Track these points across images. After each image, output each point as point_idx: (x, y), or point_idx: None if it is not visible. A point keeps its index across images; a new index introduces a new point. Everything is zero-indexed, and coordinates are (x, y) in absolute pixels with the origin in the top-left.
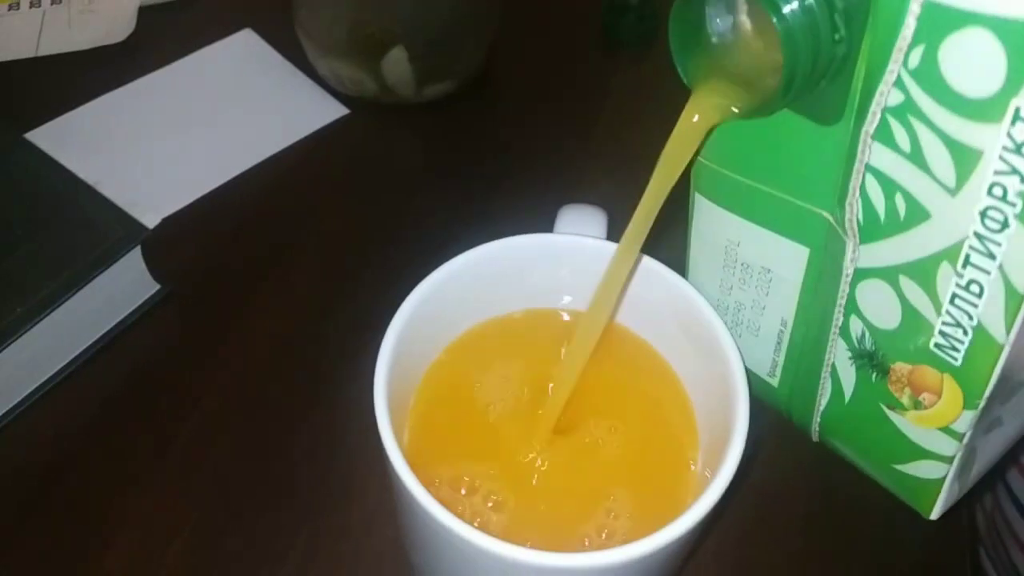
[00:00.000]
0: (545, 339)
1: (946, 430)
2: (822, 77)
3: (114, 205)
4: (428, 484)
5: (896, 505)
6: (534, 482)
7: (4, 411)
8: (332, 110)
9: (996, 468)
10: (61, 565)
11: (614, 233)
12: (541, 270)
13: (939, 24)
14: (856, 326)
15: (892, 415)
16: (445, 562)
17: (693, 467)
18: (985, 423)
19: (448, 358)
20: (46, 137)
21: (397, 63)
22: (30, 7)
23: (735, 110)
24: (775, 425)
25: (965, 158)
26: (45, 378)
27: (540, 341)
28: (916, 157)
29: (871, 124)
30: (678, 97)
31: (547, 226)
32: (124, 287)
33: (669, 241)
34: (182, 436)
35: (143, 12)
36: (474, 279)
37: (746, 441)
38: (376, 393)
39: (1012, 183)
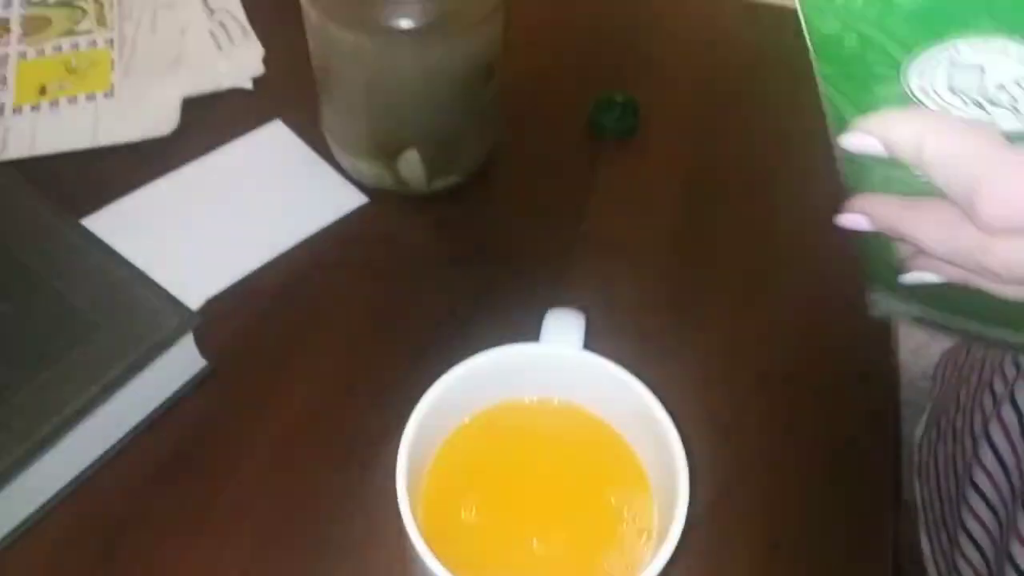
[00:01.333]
0: (529, 426)
1: None
2: None
3: (168, 293)
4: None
5: None
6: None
7: (77, 474)
8: (353, 199)
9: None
10: None
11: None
12: (527, 372)
13: None
14: None
15: None
16: None
17: (646, 539)
18: None
19: (454, 439)
20: (101, 222)
21: (411, 162)
22: (87, 100)
23: None
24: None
25: None
26: (110, 444)
27: (525, 427)
28: None
29: None
30: (655, 184)
31: (540, 306)
32: (178, 365)
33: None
34: (227, 493)
35: (185, 103)
36: (470, 382)
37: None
38: (398, 477)
39: None
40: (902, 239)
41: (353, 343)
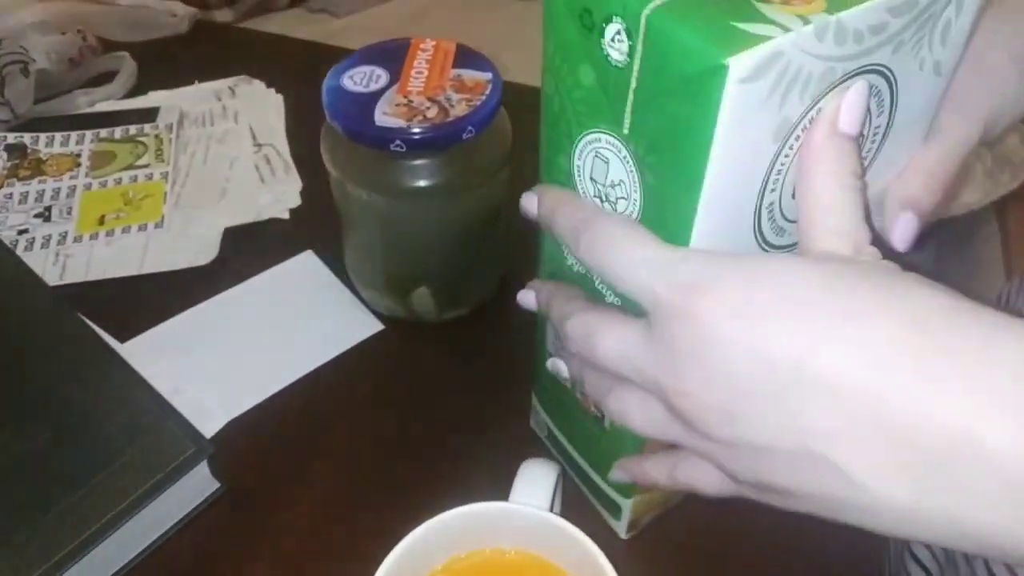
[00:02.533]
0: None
1: None
2: None
3: (188, 423)
4: None
5: None
6: None
7: None
8: (370, 326)
9: None
10: None
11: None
12: (491, 527)
13: None
14: None
15: None
16: None
17: None
18: None
19: None
20: (140, 346)
21: (422, 298)
22: (138, 230)
23: None
24: None
25: None
26: (129, 559)
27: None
28: None
29: None
30: None
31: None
32: (193, 489)
33: None
34: None
35: (225, 233)
36: (432, 539)
37: None
38: None
39: None
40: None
41: (357, 470)
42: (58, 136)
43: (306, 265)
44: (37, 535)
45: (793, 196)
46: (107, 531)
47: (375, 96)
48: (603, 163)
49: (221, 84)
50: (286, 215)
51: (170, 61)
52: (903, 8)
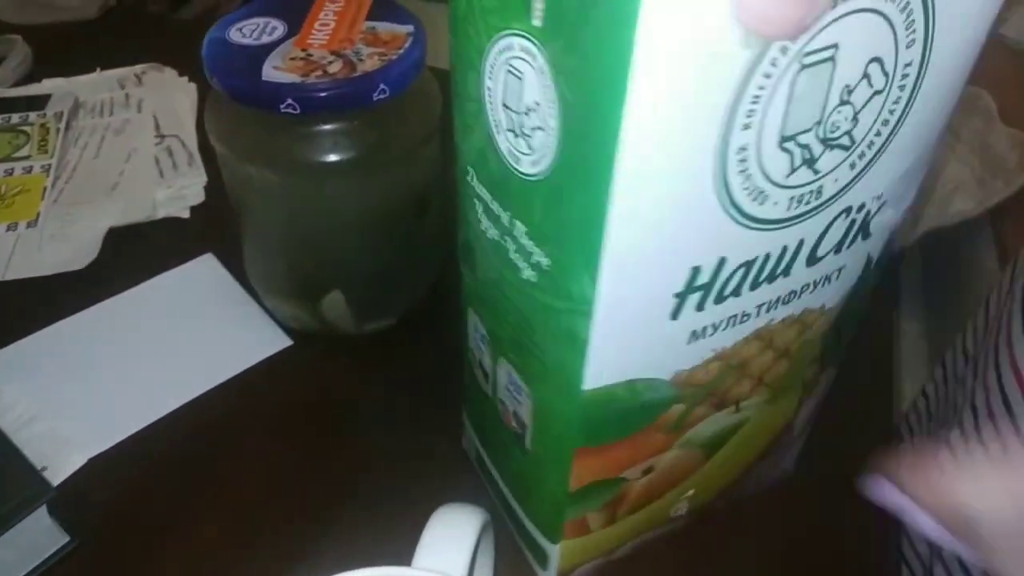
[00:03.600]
0: None
1: None
2: None
3: (26, 459)
4: None
5: None
6: None
7: None
8: (276, 341)
9: None
10: None
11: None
12: None
13: None
14: None
15: None
16: None
17: None
18: None
19: None
20: None
21: (335, 305)
22: (6, 230)
23: None
24: None
25: None
26: None
27: None
28: None
29: None
30: None
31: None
32: (32, 540)
33: None
34: None
35: (112, 234)
36: None
37: None
38: None
39: None
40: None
41: (244, 512)
42: None
43: (204, 270)
44: None
45: (783, 138)
46: None
47: (266, 49)
48: (517, 80)
49: (127, 72)
50: (186, 213)
51: (74, 48)
52: None
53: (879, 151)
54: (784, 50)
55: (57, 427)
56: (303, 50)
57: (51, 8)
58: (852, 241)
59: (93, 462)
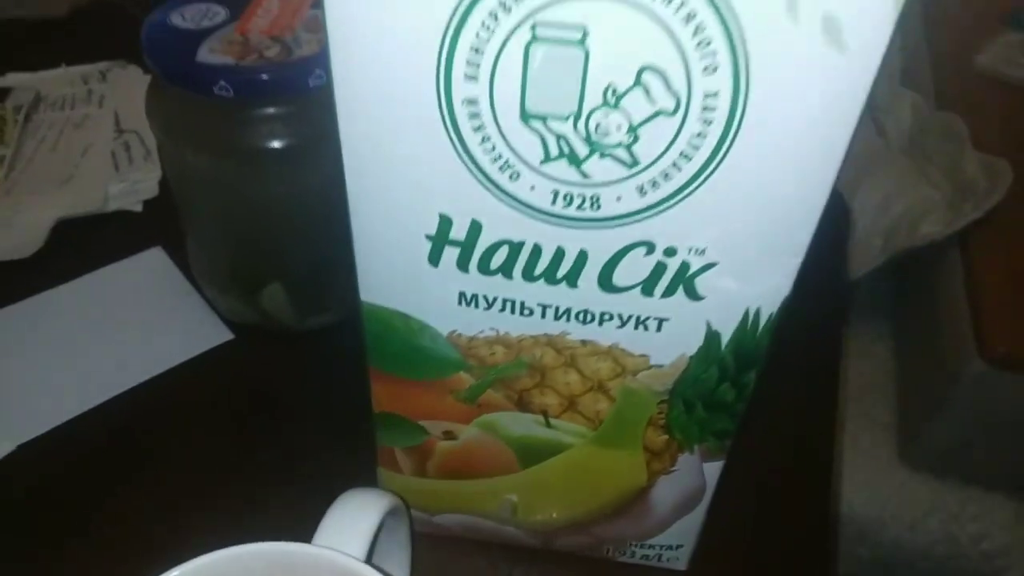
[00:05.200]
0: None
1: None
2: None
3: None
4: None
5: None
6: None
7: None
8: (216, 335)
9: None
10: None
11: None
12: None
13: None
14: None
15: None
16: None
17: None
18: None
19: None
20: None
21: (274, 296)
22: None
23: None
24: None
25: None
26: None
27: None
28: None
29: None
30: None
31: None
32: None
33: None
34: None
35: (63, 225)
36: None
37: None
38: None
39: None
40: None
41: (174, 496)
42: None
43: (152, 263)
44: None
45: (527, 113)
46: None
47: (205, 33)
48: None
49: (92, 68)
50: (139, 207)
51: (39, 42)
52: None
53: (684, 189)
54: (505, 6)
55: None
56: (242, 35)
57: (19, 4)
58: (670, 291)
59: (22, 448)
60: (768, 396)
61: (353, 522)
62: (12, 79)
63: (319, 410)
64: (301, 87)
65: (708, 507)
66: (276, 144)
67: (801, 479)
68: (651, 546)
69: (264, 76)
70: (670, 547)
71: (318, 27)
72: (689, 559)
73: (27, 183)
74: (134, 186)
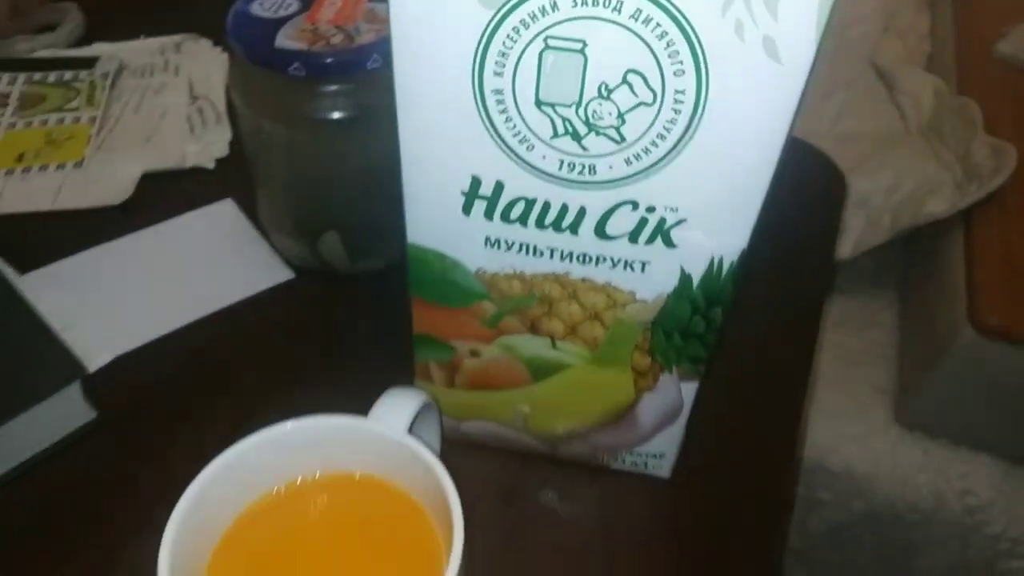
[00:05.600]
0: (332, 497)
1: None
2: None
3: (64, 347)
4: None
5: None
6: None
7: None
8: (279, 274)
9: None
10: None
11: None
12: (343, 444)
13: None
14: None
15: None
16: None
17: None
18: None
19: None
20: (39, 278)
21: (331, 244)
22: (56, 168)
23: None
24: None
25: None
26: None
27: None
28: None
29: None
30: None
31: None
32: (66, 412)
33: None
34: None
35: (146, 178)
36: (269, 452)
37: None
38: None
39: None
40: None
41: (248, 403)
42: None
43: (223, 213)
44: None
45: (541, 101)
46: None
47: (281, 21)
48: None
49: (168, 40)
50: (212, 164)
51: (122, 15)
52: None
53: (661, 161)
54: (525, 23)
55: (89, 331)
56: (312, 24)
57: None
58: (652, 239)
59: (118, 360)
60: (754, 348)
61: (398, 405)
62: (98, 48)
63: (365, 338)
64: (361, 69)
65: (687, 423)
66: (338, 115)
67: (773, 418)
68: (638, 454)
69: (330, 60)
70: (654, 455)
71: (375, 19)
72: (671, 468)
73: (115, 141)
74: (207, 146)
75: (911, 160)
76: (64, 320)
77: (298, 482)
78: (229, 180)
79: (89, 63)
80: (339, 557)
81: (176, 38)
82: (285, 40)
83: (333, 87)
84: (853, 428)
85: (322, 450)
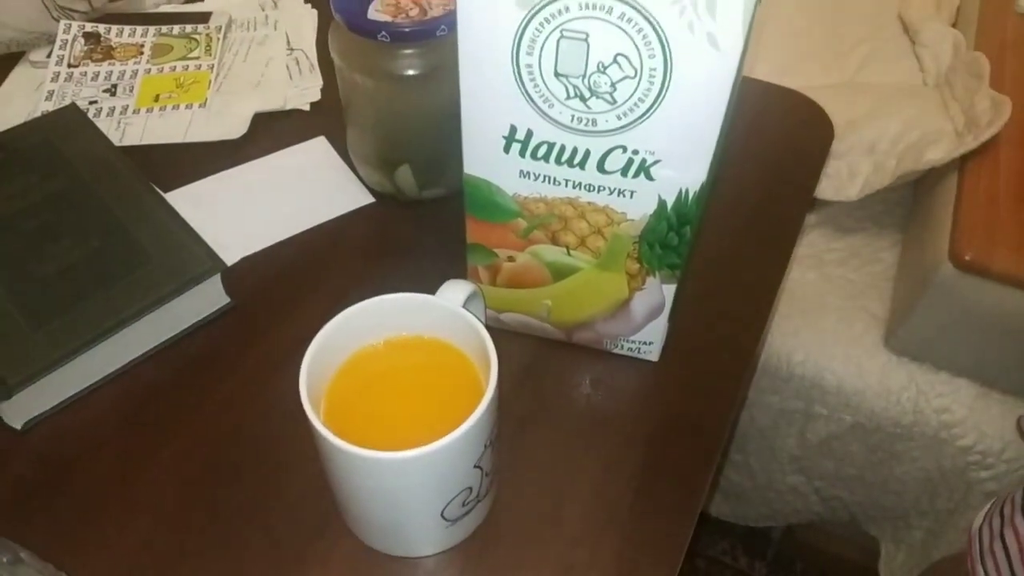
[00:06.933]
0: (410, 352)
1: None
2: None
3: (206, 244)
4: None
5: None
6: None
7: (122, 365)
8: (363, 198)
9: None
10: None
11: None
12: (417, 313)
13: None
14: None
15: None
16: (342, 479)
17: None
18: None
19: (352, 362)
20: (180, 196)
21: (404, 175)
22: (185, 107)
23: None
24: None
25: None
26: (148, 348)
27: (408, 354)
28: None
29: None
30: None
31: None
32: (208, 298)
33: None
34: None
35: (256, 116)
36: (372, 314)
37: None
38: (301, 384)
39: None
40: None
41: (342, 292)
42: (126, 28)
43: (318, 148)
44: (77, 318)
45: (557, 73)
46: (131, 319)
47: None
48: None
49: None
50: (307, 107)
51: None
52: None
53: (641, 117)
54: (548, 20)
55: (220, 236)
56: None
57: None
58: (636, 174)
59: (244, 259)
60: (733, 260)
61: (454, 290)
62: (210, 4)
63: (429, 249)
64: (432, 36)
65: (669, 317)
66: (413, 72)
67: (743, 320)
68: (633, 341)
69: (408, 29)
70: (645, 343)
71: None
72: (659, 354)
73: (230, 85)
74: (303, 92)
75: (921, 111)
76: (200, 228)
77: (387, 340)
78: (321, 120)
79: (204, 18)
80: (415, 389)
81: None
82: (375, 12)
83: (410, 50)
84: (848, 351)
85: (403, 317)
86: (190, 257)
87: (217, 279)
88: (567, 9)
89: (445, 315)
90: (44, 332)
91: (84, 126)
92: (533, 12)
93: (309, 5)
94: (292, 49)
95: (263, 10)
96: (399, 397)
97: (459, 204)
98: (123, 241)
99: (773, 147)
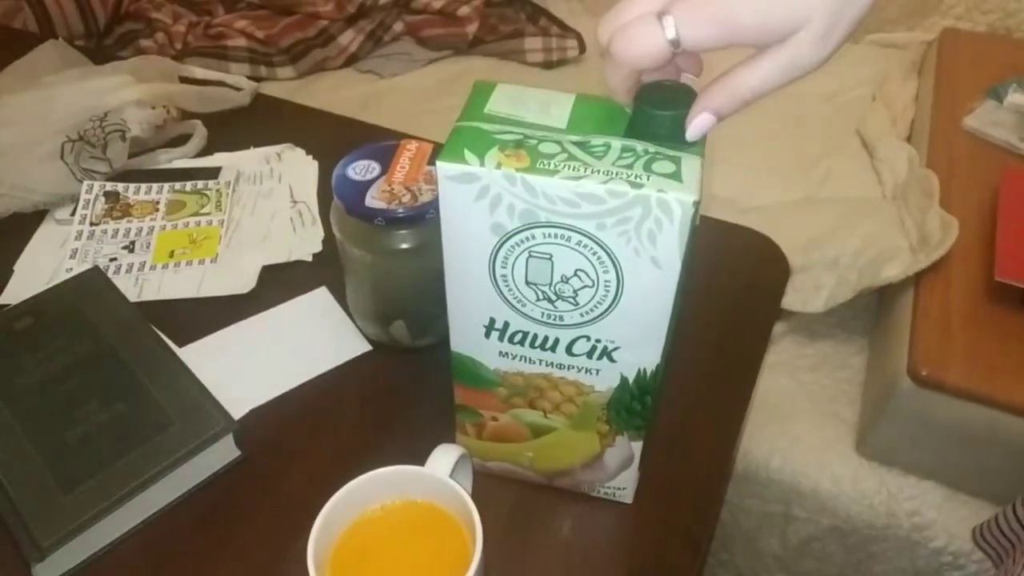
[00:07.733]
0: (405, 517)
1: None
2: None
3: (219, 404)
4: None
5: None
6: None
7: (144, 518)
8: (360, 347)
9: None
10: None
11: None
12: (411, 483)
13: None
14: None
15: None
16: None
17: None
18: None
19: (353, 529)
20: (194, 350)
21: (399, 328)
22: (198, 263)
23: None
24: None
25: None
26: (168, 501)
27: (405, 520)
28: None
29: None
30: None
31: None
32: (220, 453)
33: None
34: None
35: (263, 269)
36: (374, 485)
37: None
38: (309, 559)
39: None
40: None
41: (343, 449)
42: (143, 187)
43: (320, 298)
44: (105, 480)
45: (528, 281)
46: (153, 481)
47: (368, 184)
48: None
49: (271, 150)
50: (309, 258)
51: (233, 128)
52: (591, 199)
53: (600, 315)
54: (518, 244)
55: (231, 389)
56: (389, 185)
57: (223, 100)
58: (600, 356)
59: (251, 412)
60: (694, 405)
61: (444, 457)
62: (219, 158)
63: (422, 398)
64: (422, 219)
65: (639, 466)
66: (406, 246)
67: (708, 461)
68: (608, 487)
69: (401, 214)
70: (619, 488)
71: (431, 179)
72: (632, 496)
73: (239, 240)
74: (306, 243)
75: (879, 226)
76: (213, 381)
77: (383, 505)
78: (323, 271)
79: (214, 173)
80: (409, 549)
81: (277, 148)
82: (371, 200)
83: (403, 231)
84: (821, 457)
85: (398, 487)
86: (205, 418)
87: (229, 436)
88: (533, 237)
89: (434, 483)
90: (75, 495)
91: (107, 289)
92: (505, 238)
93: (311, 157)
94: (295, 202)
95: (268, 163)
96: (396, 561)
97: (447, 351)
98: (145, 404)
99: (732, 284)
